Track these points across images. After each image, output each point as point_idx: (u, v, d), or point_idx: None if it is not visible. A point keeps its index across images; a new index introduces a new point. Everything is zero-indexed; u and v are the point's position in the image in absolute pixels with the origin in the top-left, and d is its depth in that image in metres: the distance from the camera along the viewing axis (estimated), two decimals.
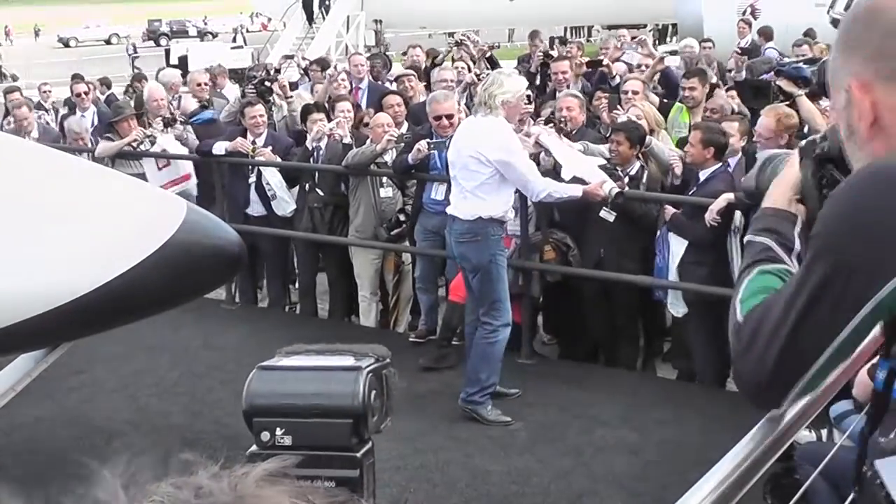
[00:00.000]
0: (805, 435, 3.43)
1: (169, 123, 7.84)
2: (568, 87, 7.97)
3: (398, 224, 6.79)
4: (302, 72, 11.63)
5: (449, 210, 5.43)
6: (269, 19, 34.31)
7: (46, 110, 11.47)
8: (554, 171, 5.81)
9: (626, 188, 5.79)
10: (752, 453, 1.50)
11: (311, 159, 7.09)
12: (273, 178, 7.21)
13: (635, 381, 6.04)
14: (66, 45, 54.20)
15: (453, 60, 10.65)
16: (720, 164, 5.71)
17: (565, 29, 30.99)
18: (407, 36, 24.07)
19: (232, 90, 10.32)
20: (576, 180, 5.57)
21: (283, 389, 1.51)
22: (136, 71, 19.68)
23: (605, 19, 28.16)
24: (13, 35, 58.49)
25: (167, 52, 30.75)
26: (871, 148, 1.28)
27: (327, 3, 24.33)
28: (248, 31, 49.09)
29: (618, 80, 8.27)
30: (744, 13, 14.64)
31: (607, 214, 5.85)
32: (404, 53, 13.07)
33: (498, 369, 5.40)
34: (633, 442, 5.08)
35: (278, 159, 7.25)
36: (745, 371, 1.34)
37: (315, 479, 1.24)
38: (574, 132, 6.44)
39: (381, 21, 24.71)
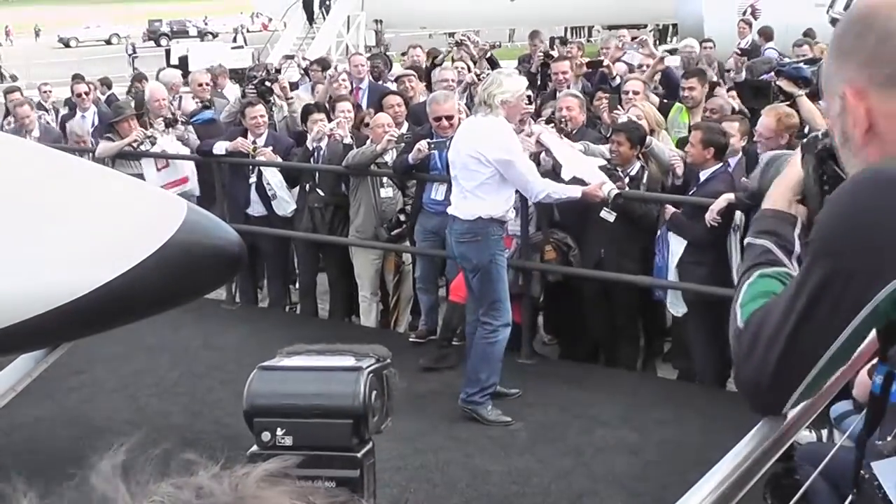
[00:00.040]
0: (805, 435, 3.43)
1: (171, 124, 7.84)
2: (568, 87, 7.96)
3: (398, 224, 6.79)
4: (302, 72, 11.61)
5: (449, 210, 5.43)
6: (270, 19, 34.36)
7: (47, 110, 11.45)
8: (554, 172, 5.82)
9: (627, 188, 5.79)
10: (752, 453, 1.49)
11: (312, 159, 7.09)
12: (273, 179, 7.22)
13: (635, 381, 6.04)
14: (67, 45, 54.12)
15: (453, 60, 10.61)
16: (720, 164, 5.71)
17: (566, 29, 30.99)
18: (407, 36, 24.07)
19: (232, 90, 10.31)
20: (576, 181, 5.58)
21: (284, 390, 1.51)
22: (135, 71, 19.67)
23: (606, 19, 28.21)
24: (13, 35, 58.45)
25: (167, 53, 30.76)
26: (866, 154, 1.27)
27: (328, 3, 24.33)
28: (248, 31, 49.13)
29: (618, 80, 8.24)
30: (744, 13, 14.67)
31: (607, 215, 5.85)
32: (404, 53, 13.07)
33: (498, 369, 5.40)
34: (634, 442, 5.08)
35: (279, 159, 7.26)
36: (746, 376, 1.35)
37: (316, 479, 1.24)
38: (574, 132, 6.44)
39: (381, 21, 24.70)
